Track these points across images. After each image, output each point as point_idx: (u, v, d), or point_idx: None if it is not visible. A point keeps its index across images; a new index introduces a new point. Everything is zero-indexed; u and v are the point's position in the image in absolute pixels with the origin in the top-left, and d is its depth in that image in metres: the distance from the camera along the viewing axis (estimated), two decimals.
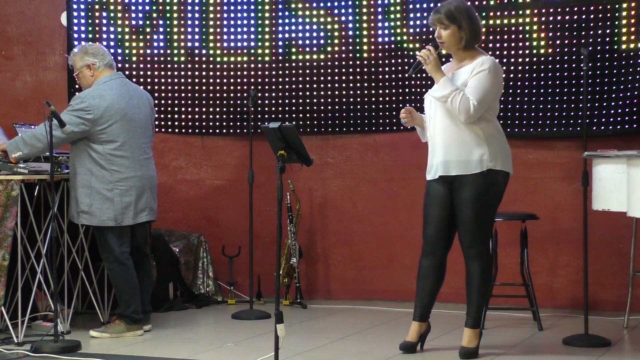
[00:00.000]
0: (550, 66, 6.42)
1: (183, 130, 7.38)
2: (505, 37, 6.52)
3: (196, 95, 7.30)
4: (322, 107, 7.06)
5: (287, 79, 7.11)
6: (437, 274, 5.10)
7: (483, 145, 4.90)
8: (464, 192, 4.93)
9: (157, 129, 7.00)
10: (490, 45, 6.55)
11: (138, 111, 5.74)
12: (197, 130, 7.35)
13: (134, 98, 5.75)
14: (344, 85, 6.98)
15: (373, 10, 6.91)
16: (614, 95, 6.25)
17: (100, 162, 5.57)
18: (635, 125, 6.21)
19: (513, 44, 6.50)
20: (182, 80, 7.31)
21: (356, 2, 6.93)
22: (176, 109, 7.35)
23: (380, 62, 6.89)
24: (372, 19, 6.92)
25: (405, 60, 6.79)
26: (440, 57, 5.01)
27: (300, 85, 7.08)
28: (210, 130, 7.32)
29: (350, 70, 6.96)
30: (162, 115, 7.33)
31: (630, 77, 6.20)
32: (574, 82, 6.35)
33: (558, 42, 6.40)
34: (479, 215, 4.94)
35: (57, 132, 5.37)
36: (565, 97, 6.39)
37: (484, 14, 6.55)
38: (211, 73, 7.26)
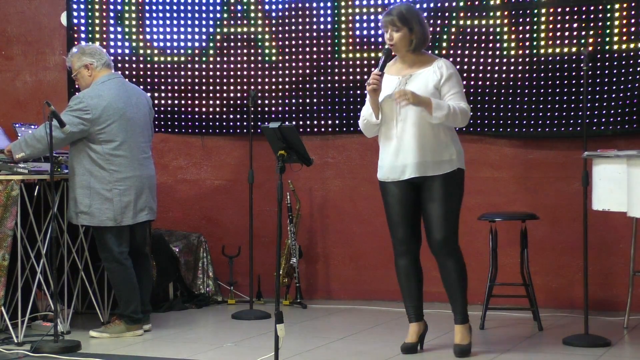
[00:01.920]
0: (550, 66, 6.42)
1: (183, 130, 7.38)
2: (506, 37, 6.53)
3: (196, 95, 7.30)
4: (322, 107, 7.06)
5: (287, 79, 7.11)
6: (417, 272, 5.16)
7: (450, 146, 5.02)
8: (436, 192, 4.98)
9: (157, 129, 7.01)
10: (490, 45, 6.55)
11: (136, 110, 5.74)
12: (197, 130, 7.35)
13: (132, 97, 5.76)
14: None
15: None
16: (614, 95, 6.25)
17: (99, 162, 5.57)
18: (635, 125, 6.20)
19: (513, 44, 6.51)
20: (182, 80, 7.31)
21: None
22: (176, 109, 7.35)
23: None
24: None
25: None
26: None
27: (301, 85, 7.09)
28: (210, 130, 7.32)
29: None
30: (162, 115, 7.33)
31: (630, 77, 6.20)
32: (574, 82, 6.35)
33: (558, 42, 6.40)
34: (450, 212, 5.01)
35: (57, 133, 5.37)
36: (565, 97, 6.39)
37: (484, 13, 6.56)
38: (211, 73, 7.26)
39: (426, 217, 5.05)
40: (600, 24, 6.28)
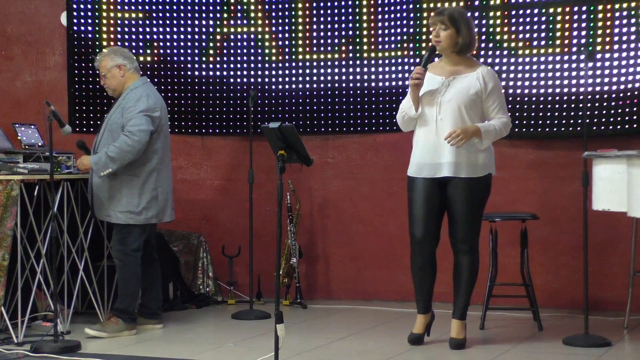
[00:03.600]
0: (550, 66, 6.42)
1: (183, 130, 7.38)
2: (505, 37, 6.53)
3: (196, 95, 7.30)
4: (322, 107, 7.06)
5: (287, 79, 7.11)
6: (431, 268, 5.28)
7: (485, 150, 5.17)
8: (464, 193, 5.12)
9: None
10: (491, 45, 6.55)
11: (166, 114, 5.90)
12: (197, 130, 7.35)
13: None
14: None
15: None
16: (614, 95, 6.25)
17: (153, 162, 5.68)
18: (635, 125, 6.21)
19: (513, 44, 6.51)
20: (182, 80, 7.31)
21: None
22: (176, 109, 7.35)
23: None
24: None
25: None
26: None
27: (300, 85, 7.09)
28: (210, 130, 7.32)
29: None
30: None
31: (630, 77, 6.20)
32: (574, 82, 6.36)
33: (558, 42, 6.40)
34: (475, 214, 5.19)
35: (139, 137, 5.49)
36: (565, 97, 6.40)
37: (484, 14, 6.56)
38: (211, 73, 7.26)
39: (450, 215, 5.19)
40: (600, 23, 6.28)
